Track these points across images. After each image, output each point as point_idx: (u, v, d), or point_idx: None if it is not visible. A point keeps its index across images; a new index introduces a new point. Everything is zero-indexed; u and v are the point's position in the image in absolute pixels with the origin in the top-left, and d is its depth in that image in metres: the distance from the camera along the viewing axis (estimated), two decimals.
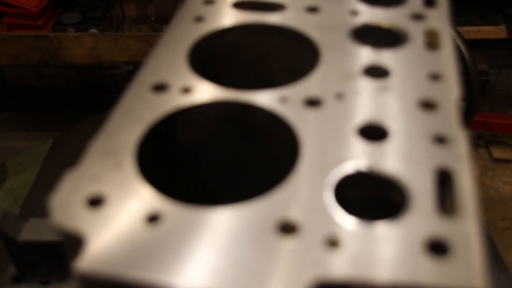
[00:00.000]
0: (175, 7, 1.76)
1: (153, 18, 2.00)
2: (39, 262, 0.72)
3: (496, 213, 1.69)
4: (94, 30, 1.83)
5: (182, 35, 0.45)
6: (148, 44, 1.70)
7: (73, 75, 1.97)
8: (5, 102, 1.85)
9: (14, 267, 0.73)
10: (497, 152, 1.89)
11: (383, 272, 0.27)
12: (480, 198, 0.32)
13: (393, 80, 0.39)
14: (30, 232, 0.70)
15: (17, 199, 1.16)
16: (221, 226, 0.29)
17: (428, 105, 0.37)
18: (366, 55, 0.42)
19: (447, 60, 0.41)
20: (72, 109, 1.89)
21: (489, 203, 1.70)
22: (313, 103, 0.38)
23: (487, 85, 1.98)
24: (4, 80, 1.96)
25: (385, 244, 0.28)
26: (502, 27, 1.88)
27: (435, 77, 0.39)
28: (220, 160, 0.44)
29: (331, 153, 0.34)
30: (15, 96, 1.89)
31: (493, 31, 1.87)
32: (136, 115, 0.37)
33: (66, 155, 1.22)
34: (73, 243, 0.30)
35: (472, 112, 1.43)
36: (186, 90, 0.39)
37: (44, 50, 1.71)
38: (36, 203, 1.05)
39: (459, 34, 1.32)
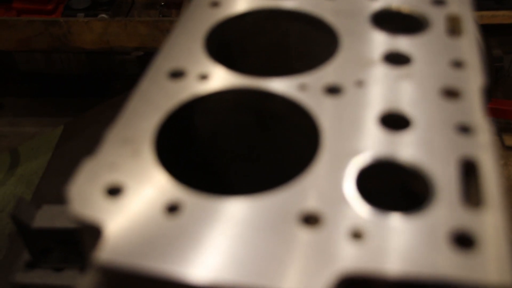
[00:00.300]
0: None
1: (162, 3, 1.99)
2: (52, 249, 0.72)
3: (507, 201, 1.67)
4: (104, 15, 1.82)
5: (199, 20, 0.45)
6: (158, 30, 1.69)
7: (83, 60, 1.97)
8: (15, 88, 1.85)
9: (28, 253, 0.73)
10: (510, 140, 1.87)
11: (407, 264, 0.26)
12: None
13: (415, 67, 0.38)
14: (44, 218, 0.70)
15: (30, 184, 1.16)
16: (241, 216, 0.29)
17: (451, 93, 0.36)
18: (386, 41, 0.42)
19: (469, 47, 0.40)
20: (82, 95, 1.89)
21: None
22: (333, 90, 0.37)
23: (500, 72, 1.95)
24: (14, 65, 1.96)
25: (409, 236, 0.28)
26: None
27: (457, 64, 0.38)
28: (238, 149, 0.43)
29: (352, 142, 0.33)
30: (25, 81, 1.89)
31: (509, 16, 1.84)
32: (153, 102, 0.36)
33: (77, 141, 1.23)
34: (92, 232, 0.30)
35: (485, 99, 1.41)
36: (204, 77, 0.39)
37: (54, 36, 1.70)
38: (48, 189, 1.06)
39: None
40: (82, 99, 1.80)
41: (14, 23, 1.70)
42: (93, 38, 1.71)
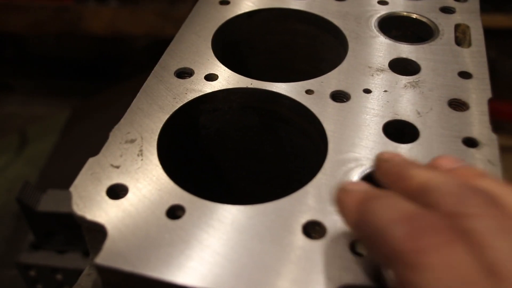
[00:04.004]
0: None
1: None
2: (56, 232, 0.71)
3: None
4: (114, 2, 1.78)
5: (207, 18, 0.42)
6: (165, 18, 1.66)
7: (92, 45, 1.94)
8: (26, 70, 1.82)
9: (33, 234, 0.72)
10: (501, 140, 1.85)
11: None
12: None
13: (423, 77, 0.36)
14: (48, 202, 0.68)
15: (37, 166, 1.14)
16: (242, 224, 0.27)
17: (459, 105, 0.34)
18: (394, 48, 0.39)
19: (479, 58, 0.37)
20: (91, 78, 1.87)
21: None
22: (339, 97, 0.35)
23: (494, 73, 1.93)
24: (26, 48, 1.92)
25: None
26: None
27: (466, 75, 0.36)
28: (243, 149, 0.41)
29: (356, 151, 0.31)
30: (36, 64, 1.86)
31: (505, 20, 1.81)
32: (159, 102, 0.34)
33: (85, 124, 1.21)
34: (95, 231, 0.28)
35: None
36: (210, 78, 0.36)
37: (64, 21, 1.67)
38: (55, 170, 1.04)
39: None
40: (90, 83, 1.77)
41: (26, 7, 1.66)
42: (102, 24, 1.68)
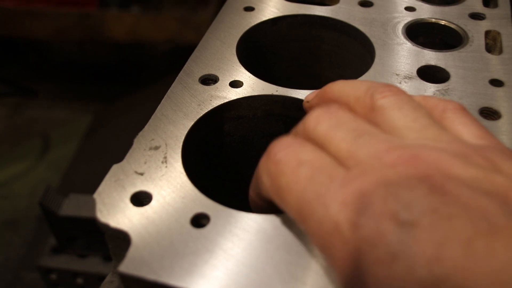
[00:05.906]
0: None
1: None
2: (77, 236, 0.71)
3: None
4: (135, 9, 1.80)
5: (231, 25, 0.42)
6: (186, 25, 1.67)
7: (114, 51, 1.96)
8: (49, 75, 1.85)
9: (54, 238, 0.73)
10: None
11: None
12: None
13: (452, 84, 0.36)
14: (70, 207, 0.69)
15: (59, 170, 1.16)
16: (268, 234, 0.27)
17: (490, 114, 0.33)
18: (422, 55, 0.39)
19: (510, 66, 0.36)
20: (112, 84, 1.89)
21: None
22: None
23: None
24: (48, 54, 1.96)
25: None
26: None
27: (498, 83, 0.35)
28: None
29: None
30: (59, 69, 1.89)
31: None
32: (183, 109, 0.34)
33: (106, 130, 1.22)
34: (117, 238, 0.28)
35: None
36: (235, 84, 0.36)
37: (87, 27, 1.70)
38: (76, 175, 1.05)
39: None
40: (112, 88, 1.79)
41: (51, 15, 1.69)
42: (124, 31, 1.70)
